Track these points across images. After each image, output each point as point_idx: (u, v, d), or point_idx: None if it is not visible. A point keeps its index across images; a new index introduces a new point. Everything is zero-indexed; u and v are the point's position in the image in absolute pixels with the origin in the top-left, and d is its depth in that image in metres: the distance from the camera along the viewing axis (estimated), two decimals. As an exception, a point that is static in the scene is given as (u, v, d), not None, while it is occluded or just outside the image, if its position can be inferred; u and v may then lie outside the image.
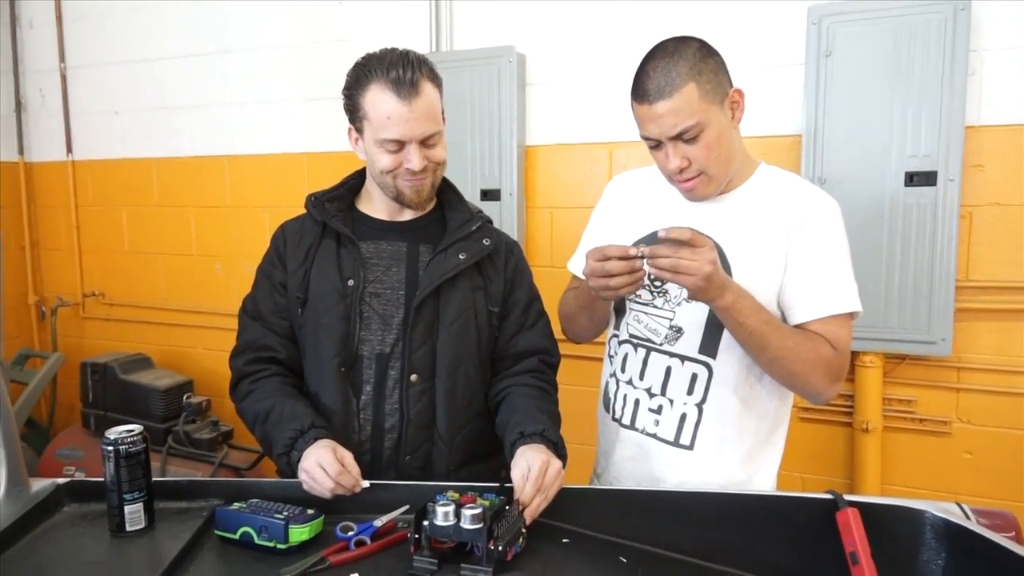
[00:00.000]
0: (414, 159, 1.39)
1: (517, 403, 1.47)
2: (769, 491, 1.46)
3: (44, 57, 3.77)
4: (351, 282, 1.47)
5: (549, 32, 2.74)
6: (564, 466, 1.35)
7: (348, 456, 1.31)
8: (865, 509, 1.23)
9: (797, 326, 1.39)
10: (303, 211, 1.56)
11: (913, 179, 2.21)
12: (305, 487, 1.28)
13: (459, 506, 1.13)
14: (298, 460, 1.31)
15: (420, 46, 2.87)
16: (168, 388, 3.23)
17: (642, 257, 1.27)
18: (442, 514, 1.13)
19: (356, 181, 1.58)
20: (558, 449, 1.36)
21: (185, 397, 3.18)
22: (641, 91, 1.32)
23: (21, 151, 3.89)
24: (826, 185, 2.29)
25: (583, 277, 1.62)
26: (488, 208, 2.74)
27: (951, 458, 2.35)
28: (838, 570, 1.18)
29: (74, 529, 1.20)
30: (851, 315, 1.40)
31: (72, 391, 3.64)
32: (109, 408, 3.33)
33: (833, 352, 1.37)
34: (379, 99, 1.37)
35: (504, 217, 2.75)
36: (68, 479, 1.30)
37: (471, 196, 2.74)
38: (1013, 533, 1.29)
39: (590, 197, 2.71)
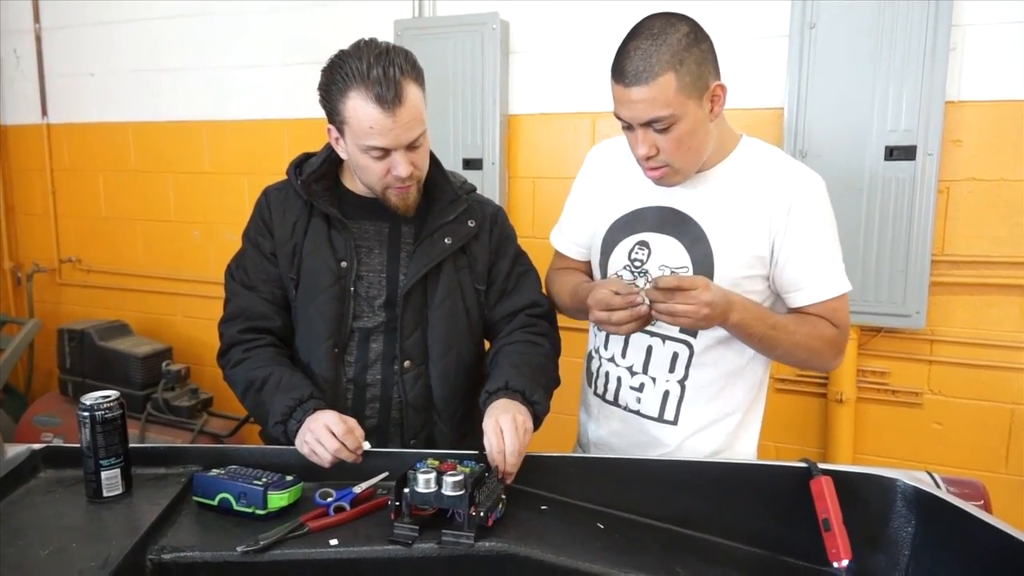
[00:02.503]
0: (401, 166, 1.35)
1: (495, 362, 1.48)
2: (745, 459, 1.49)
3: (18, 17, 3.67)
4: (344, 264, 1.46)
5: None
6: (538, 413, 1.36)
7: (351, 419, 1.31)
8: (838, 477, 1.26)
9: (796, 309, 1.41)
10: (285, 177, 1.54)
11: (893, 153, 2.22)
12: (305, 451, 1.27)
13: (440, 473, 1.14)
14: (295, 429, 1.31)
15: (402, 11, 2.84)
16: (147, 355, 3.21)
17: (643, 303, 1.28)
18: (423, 481, 1.13)
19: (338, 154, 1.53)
20: (526, 396, 1.35)
21: (164, 364, 3.17)
22: (619, 70, 1.28)
23: (-5, 114, 3.81)
24: (807, 158, 2.30)
25: (566, 253, 1.62)
26: (470, 177, 2.73)
27: (922, 429, 2.40)
28: (811, 536, 1.21)
29: (50, 495, 1.20)
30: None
31: (50, 357, 3.60)
32: (87, 375, 3.31)
33: (836, 331, 1.41)
34: (360, 108, 1.31)
35: (486, 187, 2.73)
36: (44, 445, 1.30)
37: (453, 165, 2.74)
38: (982, 502, 1.33)
39: (572, 167, 2.67)
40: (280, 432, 1.34)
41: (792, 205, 1.36)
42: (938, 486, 1.30)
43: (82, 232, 3.78)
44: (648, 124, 1.29)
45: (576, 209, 1.60)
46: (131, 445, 1.26)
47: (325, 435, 1.25)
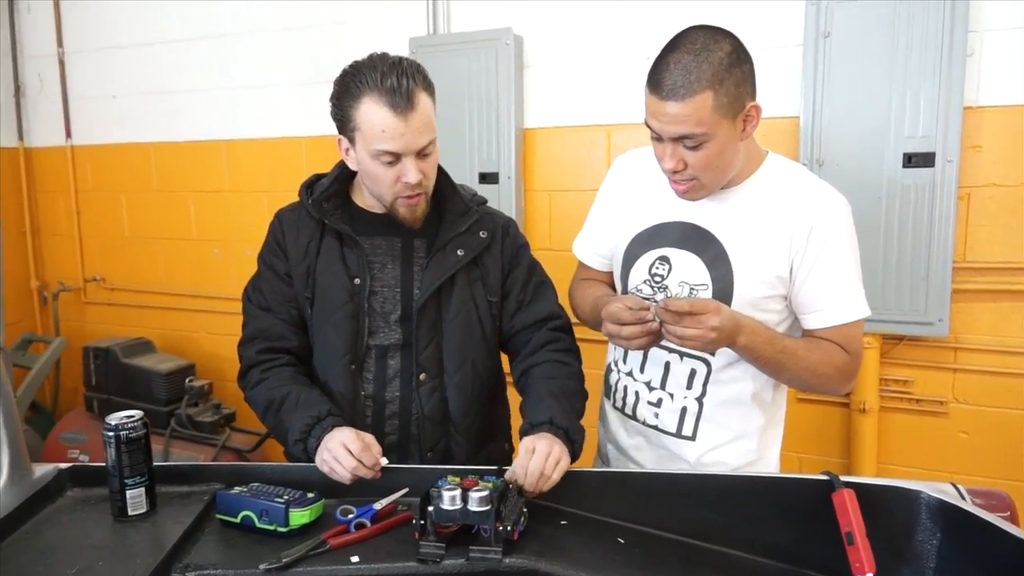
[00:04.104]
0: (411, 172, 1.37)
1: (531, 387, 1.48)
2: (766, 473, 1.48)
3: (43, 42, 3.75)
4: (357, 280, 1.47)
5: (547, 14, 2.72)
6: (576, 451, 1.35)
7: (369, 436, 1.32)
8: (861, 490, 1.24)
9: (811, 331, 1.40)
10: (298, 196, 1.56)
11: (911, 160, 2.21)
12: (325, 469, 1.29)
13: (465, 490, 1.15)
14: (315, 447, 1.32)
15: (417, 29, 2.87)
16: (170, 372, 3.25)
17: (653, 319, 1.28)
18: (448, 498, 1.14)
19: (349, 172, 1.54)
20: (569, 435, 1.34)
21: (187, 380, 3.20)
22: (656, 81, 1.26)
23: (21, 136, 3.88)
24: (824, 167, 2.29)
25: (588, 264, 1.62)
26: (486, 191, 2.75)
27: (947, 438, 2.37)
28: (834, 550, 1.19)
29: (77, 514, 1.22)
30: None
31: (75, 375, 3.66)
32: (112, 392, 3.35)
33: (847, 357, 1.39)
34: (373, 112, 1.34)
35: (502, 200, 2.75)
36: (71, 464, 1.32)
37: (469, 180, 2.75)
38: (1008, 513, 1.31)
39: (588, 180, 2.71)
40: (300, 450, 1.35)
41: (813, 227, 1.34)
42: (963, 497, 1.28)
43: (105, 251, 3.84)
44: (679, 139, 1.27)
45: (599, 219, 1.59)
46: (156, 463, 1.28)
47: (342, 453, 1.27)
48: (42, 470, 1.27)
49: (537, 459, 1.25)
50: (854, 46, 2.23)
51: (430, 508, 1.14)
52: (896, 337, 2.36)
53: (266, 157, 3.32)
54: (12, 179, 3.87)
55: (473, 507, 1.13)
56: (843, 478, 1.28)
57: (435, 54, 2.77)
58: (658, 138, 1.31)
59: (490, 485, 1.18)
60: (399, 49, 2.77)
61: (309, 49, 3.16)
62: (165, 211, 3.63)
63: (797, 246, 1.35)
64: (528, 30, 2.74)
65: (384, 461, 1.30)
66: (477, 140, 2.77)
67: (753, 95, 1.30)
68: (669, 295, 1.42)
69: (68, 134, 3.78)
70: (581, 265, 1.65)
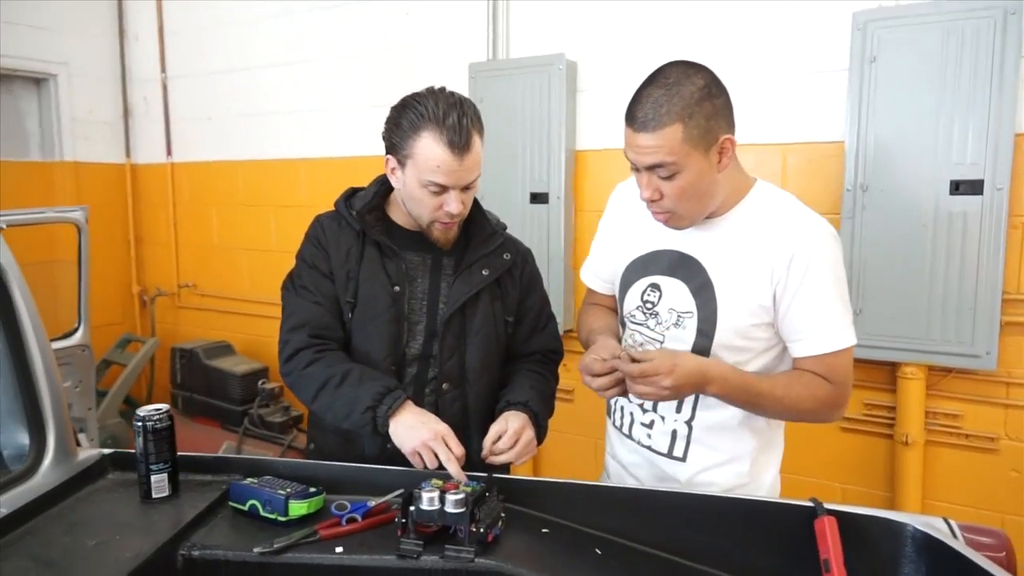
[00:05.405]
0: (453, 203, 1.48)
1: (514, 379, 1.62)
2: (752, 496, 1.48)
3: (147, 68, 4.13)
4: (398, 289, 1.58)
5: (600, 39, 2.80)
6: (540, 441, 1.53)
7: (447, 431, 1.42)
8: (848, 519, 1.24)
9: (795, 358, 1.41)
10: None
11: (959, 187, 2.15)
12: (416, 441, 1.39)
13: (443, 492, 1.23)
14: (385, 413, 1.42)
15: (478, 54, 3.00)
16: (245, 373, 3.49)
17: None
18: (427, 499, 1.22)
19: (387, 188, 1.64)
20: (538, 419, 1.51)
21: (260, 383, 3.43)
22: (630, 114, 1.32)
23: (128, 153, 4.27)
24: (868, 193, 2.26)
25: (593, 288, 1.68)
26: (536, 211, 2.87)
27: (998, 476, 2.27)
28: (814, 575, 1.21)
29: (111, 494, 1.37)
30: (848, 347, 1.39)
31: (168, 373, 3.98)
32: (194, 390, 3.63)
33: (830, 387, 1.38)
34: (431, 148, 1.43)
35: (551, 220, 2.83)
36: (113, 450, 1.48)
37: (521, 199, 2.86)
38: (1003, 553, 1.28)
39: (633, 202, 2.75)
40: (369, 418, 1.43)
41: (793, 257, 1.34)
42: (954, 533, 1.26)
43: (197, 260, 4.17)
44: (652, 169, 1.32)
45: (601, 246, 1.65)
46: (188, 454, 1.43)
47: (441, 448, 1.37)
48: (86, 454, 1.44)
49: (508, 437, 1.45)
50: (901, 70, 2.19)
51: (412, 508, 1.23)
52: (944, 369, 2.29)
53: (339, 174, 3.51)
54: (119, 193, 4.27)
55: (449, 508, 1.21)
56: (833, 506, 1.28)
57: (492, 79, 2.89)
58: (636, 168, 1.36)
59: (468, 490, 1.26)
60: (459, 74, 2.93)
61: (380, 73, 3.35)
62: (250, 224, 3.91)
63: (778, 276, 1.35)
64: (582, 55, 2.83)
65: (461, 477, 1.38)
66: (529, 161, 2.86)
67: (728, 128, 1.32)
68: (660, 321, 1.46)
69: (168, 152, 4.14)
70: (588, 290, 1.71)
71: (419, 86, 1.53)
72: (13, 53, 3.73)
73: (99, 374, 3.90)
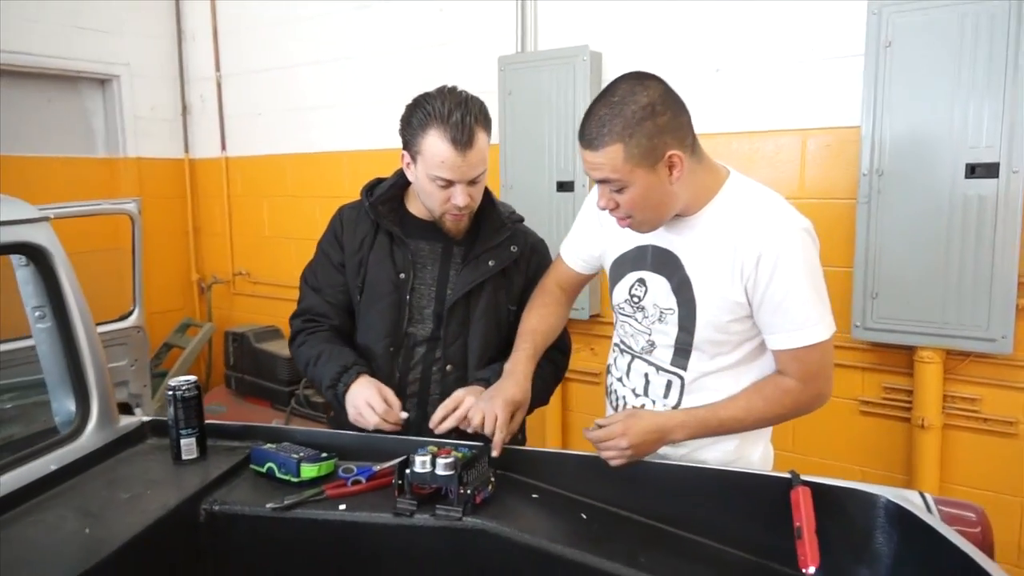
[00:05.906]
0: (460, 196, 1.58)
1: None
2: (734, 467, 1.52)
3: (203, 67, 4.36)
4: (402, 276, 1.70)
5: (623, 31, 2.86)
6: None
7: (389, 393, 1.58)
8: (824, 490, 1.30)
9: (772, 350, 1.44)
10: None
11: (974, 171, 2.14)
12: (352, 420, 1.55)
13: (435, 457, 1.35)
14: (343, 392, 1.58)
15: (507, 47, 3.09)
16: (291, 356, 3.65)
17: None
18: (420, 463, 1.34)
19: (405, 179, 1.73)
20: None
21: (305, 365, 3.60)
22: (580, 130, 1.35)
23: (186, 149, 4.52)
24: (884, 177, 2.28)
25: (571, 267, 1.71)
26: (563, 199, 2.95)
27: (1017, 460, 2.26)
28: (787, 543, 1.26)
29: (148, 456, 1.54)
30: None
31: (223, 356, 4.21)
32: (245, 371, 3.84)
33: (800, 388, 1.41)
34: (436, 145, 1.52)
35: (577, 207, 2.88)
36: (152, 418, 1.64)
37: (547, 188, 2.95)
38: (978, 528, 1.32)
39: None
40: (332, 396, 1.62)
41: (760, 256, 1.35)
42: (928, 506, 1.31)
43: (250, 249, 4.39)
44: (602, 182, 1.37)
45: (580, 231, 1.68)
46: (217, 422, 1.59)
47: (367, 411, 1.53)
48: (127, 420, 1.61)
49: (453, 403, 1.55)
50: (916, 55, 2.20)
51: (407, 471, 1.35)
52: (962, 353, 2.29)
53: (378, 166, 3.56)
54: (179, 186, 4.52)
55: (439, 471, 1.32)
56: (810, 478, 1.34)
57: (520, 71, 2.97)
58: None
59: (459, 455, 1.37)
60: (490, 67, 3.03)
61: (416, 68, 3.48)
62: (297, 214, 4.10)
63: (747, 273, 1.37)
64: (606, 46, 2.89)
65: (404, 415, 1.56)
66: (556, 150, 2.94)
67: (676, 143, 1.32)
68: (647, 315, 1.52)
69: (223, 146, 4.36)
70: (560, 261, 1.72)
71: (452, 79, 1.64)
72: (79, 56, 3.99)
73: (161, 357, 4.17)
